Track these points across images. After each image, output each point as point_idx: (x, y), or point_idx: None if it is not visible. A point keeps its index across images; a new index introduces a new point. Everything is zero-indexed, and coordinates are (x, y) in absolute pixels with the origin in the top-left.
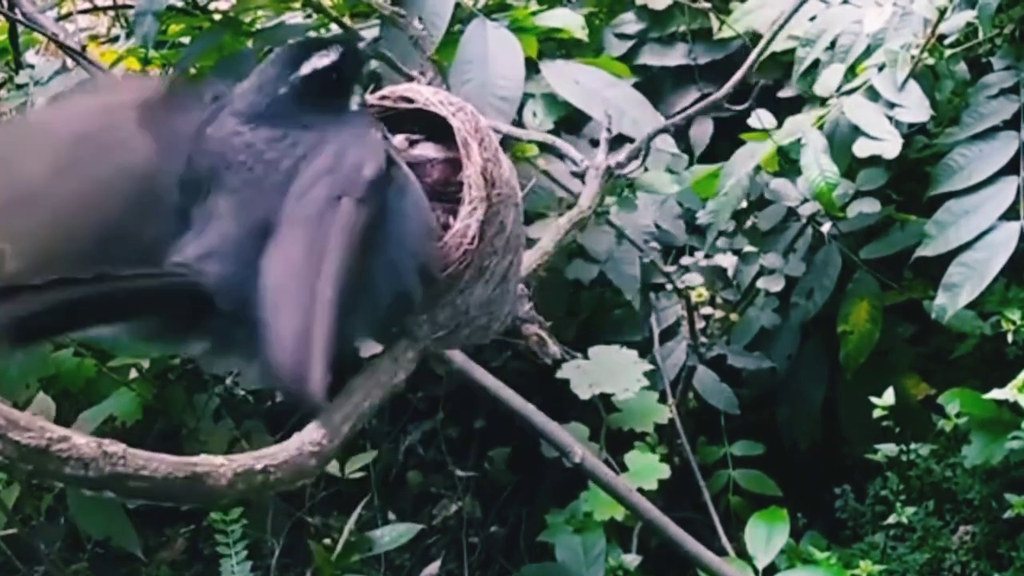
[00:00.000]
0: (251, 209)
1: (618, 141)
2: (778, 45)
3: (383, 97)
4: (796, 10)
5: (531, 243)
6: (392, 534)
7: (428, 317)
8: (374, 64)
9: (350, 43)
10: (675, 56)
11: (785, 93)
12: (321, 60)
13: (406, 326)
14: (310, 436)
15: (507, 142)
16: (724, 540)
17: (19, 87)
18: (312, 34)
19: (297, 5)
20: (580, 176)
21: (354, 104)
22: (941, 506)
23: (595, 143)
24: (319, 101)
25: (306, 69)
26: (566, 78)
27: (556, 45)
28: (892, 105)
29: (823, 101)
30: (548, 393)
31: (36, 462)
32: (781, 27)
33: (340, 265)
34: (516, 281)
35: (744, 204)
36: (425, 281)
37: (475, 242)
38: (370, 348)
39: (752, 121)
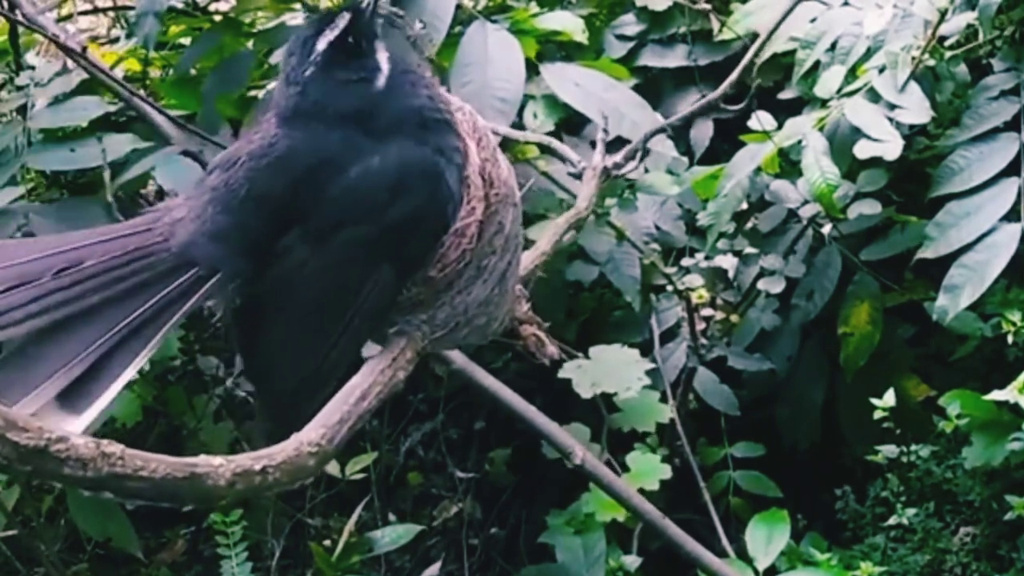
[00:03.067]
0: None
1: (618, 143)
2: (779, 47)
3: None
4: (790, 11)
5: (530, 245)
6: (392, 535)
7: (427, 317)
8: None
9: (355, 4)
10: (675, 57)
11: (786, 95)
12: (332, 31)
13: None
14: (308, 436)
15: (507, 143)
16: (724, 541)
17: (19, 88)
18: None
19: (297, 6)
20: (578, 177)
21: (382, 60)
22: (941, 507)
23: (596, 145)
24: (346, 66)
25: (322, 44)
26: (566, 80)
27: (556, 47)
28: (893, 107)
29: (824, 103)
30: (549, 394)
31: (35, 463)
32: (776, 28)
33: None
34: (514, 281)
35: (744, 206)
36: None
37: (473, 242)
38: (370, 349)
39: (752, 123)
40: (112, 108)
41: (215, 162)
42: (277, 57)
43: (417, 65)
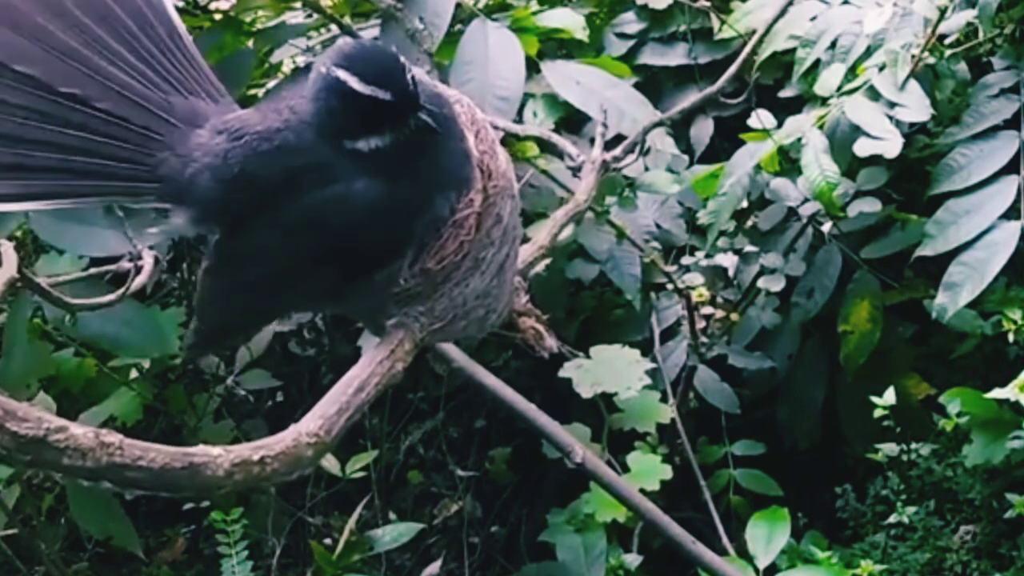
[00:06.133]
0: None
1: (619, 141)
2: (779, 45)
3: None
4: (788, 5)
5: (529, 242)
6: (393, 534)
7: (425, 309)
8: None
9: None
10: (676, 56)
11: (786, 93)
12: (378, 140)
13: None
14: (307, 427)
15: (507, 141)
16: (725, 540)
17: None
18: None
19: (297, 5)
20: (577, 171)
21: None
22: (942, 506)
23: (595, 140)
24: (357, 136)
25: (362, 145)
26: (567, 78)
27: (557, 45)
28: (893, 105)
29: (824, 101)
30: (549, 392)
31: (34, 452)
32: (775, 22)
33: None
34: (513, 273)
35: (744, 204)
36: None
37: (471, 233)
38: (369, 341)
39: (752, 121)
40: None
41: (232, 120)
42: (277, 56)
43: (417, 60)
